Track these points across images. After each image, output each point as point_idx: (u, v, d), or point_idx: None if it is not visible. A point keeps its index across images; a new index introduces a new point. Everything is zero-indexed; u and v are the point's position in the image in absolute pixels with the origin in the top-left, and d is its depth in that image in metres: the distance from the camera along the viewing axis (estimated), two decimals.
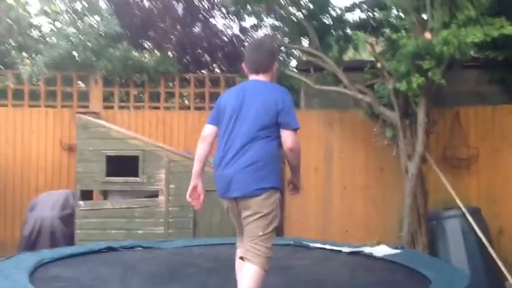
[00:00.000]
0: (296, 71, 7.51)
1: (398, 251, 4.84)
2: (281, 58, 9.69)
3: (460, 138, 6.62)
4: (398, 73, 5.56)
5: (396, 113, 5.91)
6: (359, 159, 6.81)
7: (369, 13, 6.82)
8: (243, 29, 10.32)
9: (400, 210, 6.23)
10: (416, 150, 5.74)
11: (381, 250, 4.84)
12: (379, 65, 5.93)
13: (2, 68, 8.35)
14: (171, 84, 8.63)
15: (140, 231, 6.32)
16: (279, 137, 3.09)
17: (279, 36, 7.46)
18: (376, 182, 6.75)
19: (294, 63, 9.77)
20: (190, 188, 3.16)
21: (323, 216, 6.77)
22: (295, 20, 6.71)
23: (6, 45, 8.67)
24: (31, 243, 6.34)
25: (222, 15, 10.31)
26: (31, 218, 6.54)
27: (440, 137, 6.65)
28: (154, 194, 6.48)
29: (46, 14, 9.37)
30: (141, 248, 5.04)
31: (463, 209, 5.73)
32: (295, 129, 3.07)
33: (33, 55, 8.43)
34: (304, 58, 7.00)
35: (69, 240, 6.36)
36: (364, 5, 6.80)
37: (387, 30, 6.49)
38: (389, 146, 6.26)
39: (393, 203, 6.58)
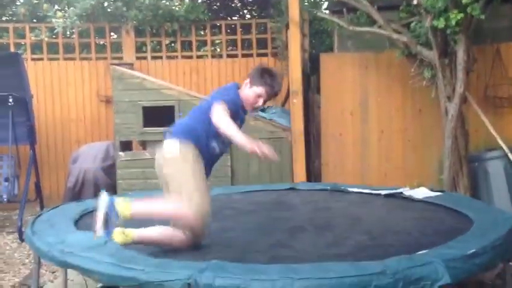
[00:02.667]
0: (328, 13, 7.32)
1: (438, 193, 4.79)
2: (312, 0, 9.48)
3: (502, 76, 6.41)
4: (436, 10, 5.37)
5: (434, 52, 5.74)
6: (396, 102, 6.69)
7: None
8: None
9: (440, 153, 6.16)
10: (456, 91, 5.60)
11: (421, 192, 4.80)
12: (415, 1, 5.71)
13: (35, 21, 8.38)
14: (202, 33, 8.56)
15: None
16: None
17: None
18: (415, 125, 6.64)
19: (325, 4, 9.52)
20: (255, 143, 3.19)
21: (360, 160, 6.72)
22: None
23: None
24: (76, 194, 6.53)
25: None
26: (74, 170, 6.71)
27: (480, 76, 6.46)
28: None
29: None
30: None
31: (506, 149, 5.61)
32: (218, 103, 3.28)
33: (65, 7, 8.43)
34: None
35: (112, 190, 6.51)
36: None
37: None
38: (428, 87, 6.12)
39: (432, 145, 6.49)
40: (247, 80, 3.43)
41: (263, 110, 7.02)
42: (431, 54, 5.78)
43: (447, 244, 3.21)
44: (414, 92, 6.48)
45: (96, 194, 6.25)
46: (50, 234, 3.39)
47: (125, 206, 3.08)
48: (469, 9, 5.13)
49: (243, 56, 8.17)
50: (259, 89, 3.40)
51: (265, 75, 3.41)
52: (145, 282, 2.69)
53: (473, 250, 3.04)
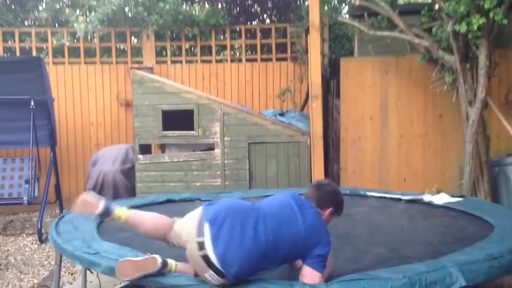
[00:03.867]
0: (348, 17, 7.30)
1: (459, 199, 4.74)
2: (332, 4, 9.45)
3: None
4: (458, 14, 5.33)
5: (456, 56, 5.69)
6: (416, 107, 6.63)
7: None
8: None
9: (460, 158, 6.09)
10: (478, 96, 5.54)
11: (441, 198, 4.74)
12: (436, 6, 5.68)
13: (57, 26, 8.49)
14: (221, 37, 8.59)
15: (198, 183, 6.44)
16: None
17: None
18: (435, 130, 6.58)
19: (346, 9, 9.50)
20: None
21: (379, 165, 6.68)
22: None
23: (59, 3, 8.78)
24: None
25: None
26: (94, 172, 6.77)
27: (502, 81, 6.39)
28: (210, 147, 6.57)
29: None
30: (199, 201, 5.13)
31: None
32: (318, 271, 2.83)
33: (87, 12, 8.52)
34: (357, 3, 6.77)
35: (131, 192, 6.57)
36: None
37: None
38: (449, 92, 6.07)
39: (452, 150, 6.43)
40: (331, 209, 3.01)
41: (282, 114, 7.02)
42: (453, 59, 5.73)
43: (464, 249, 3.20)
44: (435, 97, 6.42)
45: (115, 196, 6.36)
46: (75, 236, 3.42)
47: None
48: (491, 14, 5.08)
49: (262, 60, 8.18)
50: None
51: (340, 196, 3.10)
52: (170, 286, 2.70)
53: (489, 253, 3.03)
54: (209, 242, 2.61)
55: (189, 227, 2.73)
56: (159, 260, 2.72)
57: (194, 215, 2.77)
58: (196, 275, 2.73)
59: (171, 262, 2.77)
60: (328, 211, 2.98)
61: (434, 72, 6.10)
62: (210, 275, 2.64)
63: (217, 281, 2.65)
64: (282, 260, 2.76)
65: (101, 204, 2.81)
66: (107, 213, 2.84)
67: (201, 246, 2.62)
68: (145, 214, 3.02)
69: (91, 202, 2.84)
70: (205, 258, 2.62)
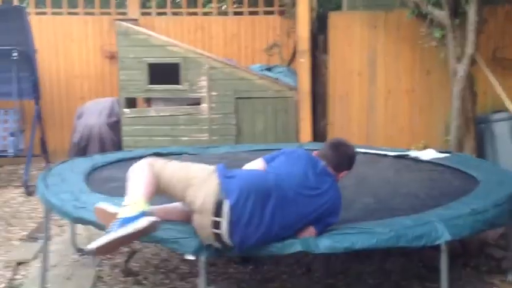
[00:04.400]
0: None
1: (445, 154, 4.80)
2: None
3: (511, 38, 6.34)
4: None
5: (445, 11, 5.65)
6: (404, 62, 6.62)
7: None
8: None
9: (447, 115, 6.14)
10: (466, 52, 5.53)
11: (428, 154, 4.80)
12: None
13: None
14: None
15: (185, 138, 6.42)
16: None
17: None
18: (422, 86, 6.60)
19: None
20: None
21: (366, 122, 6.71)
22: None
23: None
24: (81, 150, 6.54)
25: None
26: (79, 126, 6.71)
27: (490, 37, 6.38)
28: (197, 102, 6.52)
29: None
30: (187, 155, 5.13)
31: None
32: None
33: None
34: None
35: (117, 146, 6.54)
36: None
37: None
38: (437, 48, 6.05)
39: (439, 107, 6.47)
40: (345, 172, 3.02)
41: (269, 69, 6.96)
42: (442, 14, 5.69)
43: (450, 204, 3.27)
44: (423, 53, 6.41)
45: (102, 150, 6.33)
46: (63, 188, 3.41)
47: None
48: None
49: (250, 13, 8.05)
50: None
51: (355, 157, 3.09)
52: (162, 238, 2.72)
53: (473, 208, 3.11)
54: (226, 226, 2.57)
55: (204, 199, 2.59)
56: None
57: (210, 186, 2.62)
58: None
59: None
60: (342, 174, 2.97)
61: (423, 27, 6.06)
62: (214, 243, 2.64)
63: (219, 247, 2.66)
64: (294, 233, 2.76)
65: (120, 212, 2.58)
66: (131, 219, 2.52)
67: (217, 225, 2.57)
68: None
69: (110, 212, 2.68)
70: (217, 236, 2.60)
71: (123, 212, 2.51)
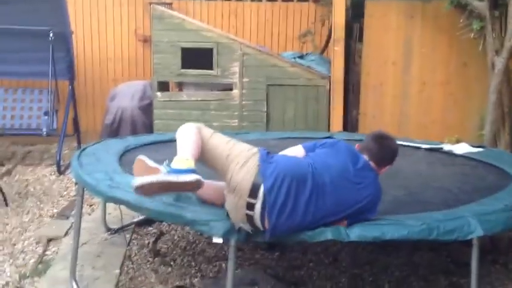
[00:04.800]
0: None
1: (479, 149, 4.71)
2: None
3: None
4: None
5: (485, 2, 5.51)
6: (441, 54, 6.48)
7: None
8: None
9: (482, 108, 6.01)
10: (505, 45, 5.39)
11: (461, 148, 4.72)
12: None
13: None
14: None
15: (215, 123, 6.42)
16: None
17: None
18: (458, 78, 6.46)
19: None
20: None
21: (399, 112, 6.60)
22: None
23: None
24: (113, 131, 6.62)
25: None
26: (112, 107, 6.78)
27: None
28: (229, 87, 6.52)
29: None
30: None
31: None
32: None
33: None
34: None
35: (149, 129, 6.59)
36: None
37: None
38: (475, 40, 5.92)
39: (475, 100, 6.33)
40: (388, 167, 2.97)
41: (301, 57, 6.91)
42: (482, 5, 5.56)
43: (483, 199, 3.21)
44: (460, 45, 6.27)
45: (133, 132, 6.39)
46: (97, 168, 3.45)
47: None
48: None
49: (283, 0, 7.98)
50: None
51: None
52: (192, 220, 2.73)
53: (507, 204, 3.06)
54: (259, 208, 2.57)
55: (242, 178, 2.60)
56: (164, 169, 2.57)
57: (250, 167, 2.62)
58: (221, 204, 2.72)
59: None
60: (384, 169, 2.90)
61: (462, 18, 5.93)
62: (244, 226, 2.64)
63: (248, 230, 2.66)
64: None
65: (162, 167, 2.62)
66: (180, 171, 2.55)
67: (251, 207, 2.58)
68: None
69: (151, 166, 2.74)
70: (250, 218, 2.60)
71: (174, 164, 2.56)
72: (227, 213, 2.69)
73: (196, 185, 2.56)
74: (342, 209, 2.67)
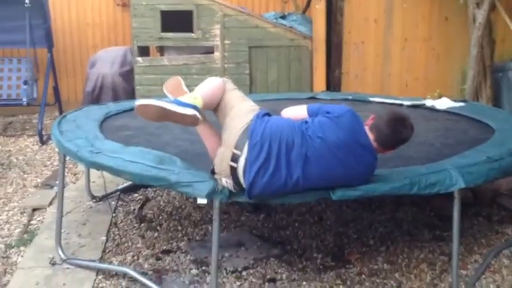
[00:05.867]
0: None
1: (461, 103, 4.73)
2: None
3: None
4: None
5: None
6: (423, 9, 6.39)
7: None
8: None
9: (463, 63, 6.02)
10: None
11: (443, 103, 4.73)
12: None
13: None
14: None
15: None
16: None
17: None
18: (440, 33, 6.40)
19: None
20: None
21: (381, 70, 6.56)
22: None
23: None
24: (94, 99, 6.54)
25: None
26: (92, 75, 6.68)
27: None
28: (210, 51, 6.44)
29: None
30: None
31: None
32: None
33: None
34: None
35: (130, 95, 6.52)
36: None
37: None
38: None
39: (456, 55, 6.31)
40: (392, 151, 2.82)
41: (283, 17, 6.83)
42: None
43: (465, 152, 3.23)
44: None
45: (115, 99, 6.33)
46: (78, 134, 3.42)
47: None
48: None
49: None
50: None
51: None
52: (175, 182, 2.73)
53: (489, 156, 3.09)
54: (243, 161, 2.59)
55: (233, 128, 2.66)
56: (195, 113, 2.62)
57: (243, 122, 2.65)
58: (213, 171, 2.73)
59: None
60: (386, 151, 2.78)
61: None
62: (227, 181, 2.65)
63: (231, 187, 2.67)
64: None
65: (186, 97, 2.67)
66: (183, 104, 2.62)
67: (235, 158, 2.61)
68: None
69: (182, 89, 2.83)
70: (233, 170, 2.62)
71: (182, 97, 2.65)
72: (211, 170, 2.72)
73: (192, 120, 2.63)
74: (327, 183, 2.66)
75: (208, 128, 2.87)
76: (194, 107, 2.61)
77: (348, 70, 6.61)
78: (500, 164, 3.11)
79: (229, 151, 2.62)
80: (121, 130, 3.86)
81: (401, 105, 4.83)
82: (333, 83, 6.55)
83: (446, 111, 4.57)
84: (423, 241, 3.60)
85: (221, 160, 2.65)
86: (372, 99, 5.09)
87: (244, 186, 2.63)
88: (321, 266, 3.29)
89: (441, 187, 2.82)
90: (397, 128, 2.70)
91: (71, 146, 3.23)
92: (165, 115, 2.61)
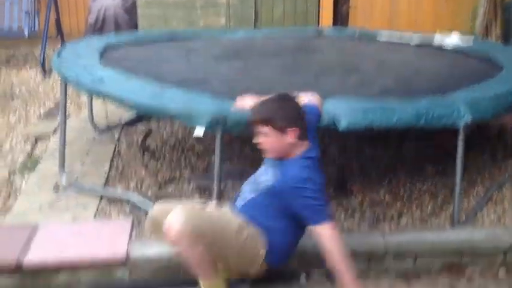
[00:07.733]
0: None
1: (470, 39, 4.63)
2: None
3: None
4: None
5: None
6: None
7: None
8: None
9: (473, 0, 5.86)
10: None
11: (452, 39, 4.63)
12: None
13: None
14: None
15: (201, 23, 6.24)
16: None
17: None
18: None
19: None
20: None
21: (390, 5, 6.41)
22: None
23: None
24: (96, 31, 6.42)
25: None
26: (95, 7, 6.53)
27: None
28: None
29: None
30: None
31: None
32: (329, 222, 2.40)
33: None
34: None
35: (133, 29, 6.41)
36: None
37: None
38: None
39: None
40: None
41: None
42: None
43: (473, 87, 3.19)
44: None
45: (117, 31, 6.22)
46: (78, 63, 3.38)
47: None
48: None
49: None
50: None
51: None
52: (176, 113, 2.71)
53: (497, 92, 3.05)
54: None
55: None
56: None
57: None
58: None
59: None
60: (302, 135, 2.45)
61: None
62: None
63: None
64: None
65: None
66: None
67: None
68: None
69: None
70: None
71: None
72: None
73: None
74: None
75: None
76: None
77: (356, 4, 6.46)
78: (507, 100, 3.09)
79: None
80: (122, 60, 3.81)
81: (408, 44, 4.71)
82: (340, 18, 6.41)
83: (455, 50, 4.47)
84: (426, 175, 3.60)
85: None
86: (379, 37, 4.95)
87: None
88: None
89: (448, 120, 2.79)
90: (284, 104, 2.45)
91: (70, 73, 3.20)
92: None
